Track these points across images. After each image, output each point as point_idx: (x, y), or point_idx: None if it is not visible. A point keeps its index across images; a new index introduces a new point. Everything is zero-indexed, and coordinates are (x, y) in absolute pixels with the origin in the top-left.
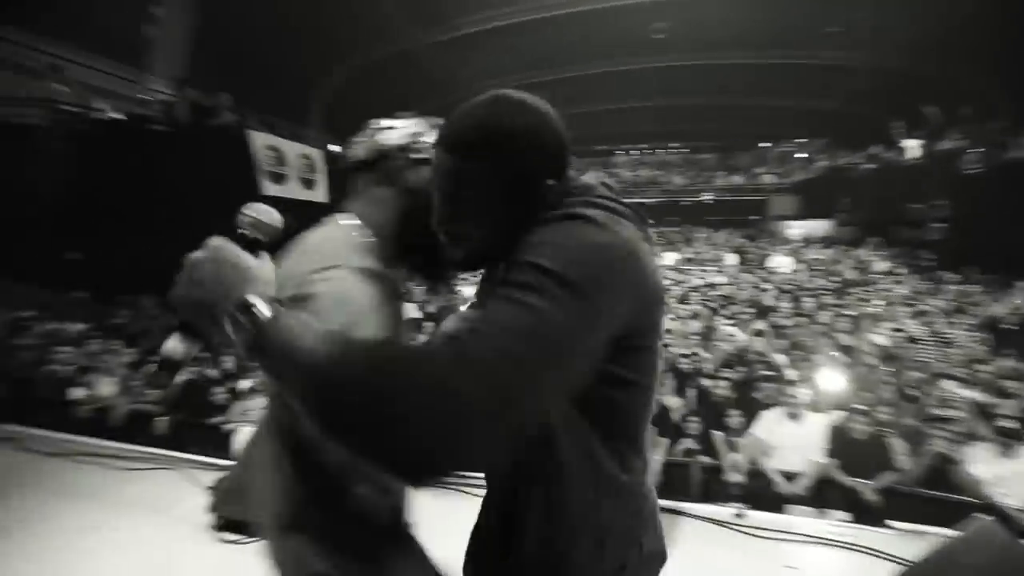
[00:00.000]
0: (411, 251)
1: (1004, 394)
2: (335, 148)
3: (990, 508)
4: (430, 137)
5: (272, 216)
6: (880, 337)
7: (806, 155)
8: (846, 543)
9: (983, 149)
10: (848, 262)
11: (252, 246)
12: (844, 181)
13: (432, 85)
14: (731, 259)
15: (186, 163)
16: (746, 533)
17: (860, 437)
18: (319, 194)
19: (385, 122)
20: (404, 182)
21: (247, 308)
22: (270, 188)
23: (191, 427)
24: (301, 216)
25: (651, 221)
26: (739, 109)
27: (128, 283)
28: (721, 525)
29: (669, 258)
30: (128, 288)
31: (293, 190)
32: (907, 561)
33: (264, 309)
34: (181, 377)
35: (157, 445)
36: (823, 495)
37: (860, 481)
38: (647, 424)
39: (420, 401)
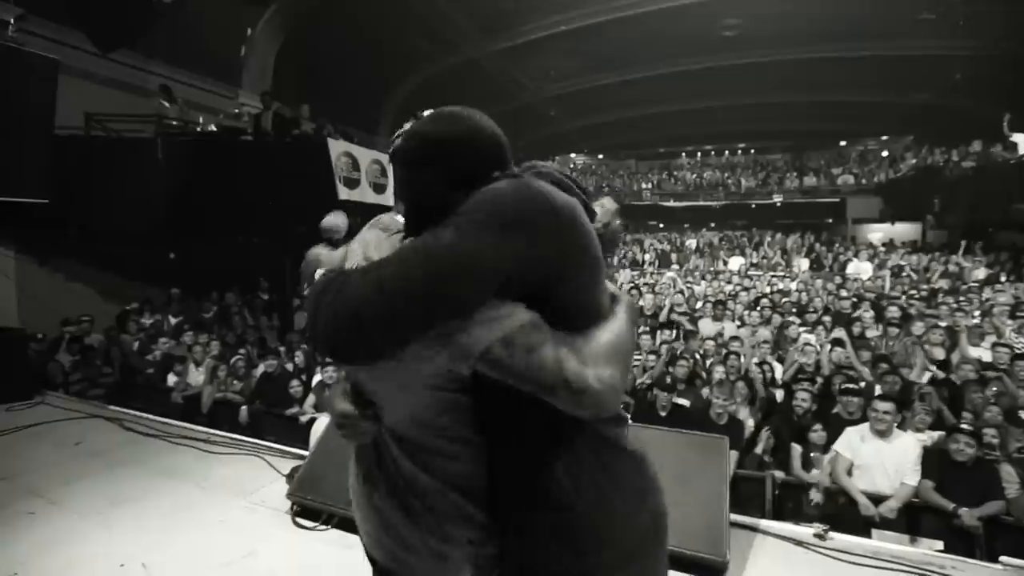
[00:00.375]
0: None
1: None
2: None
3: None
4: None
5: (337, 223)
6: (980, 351)
7: (887, 153)
8: (944, 574)
9: None
10: (938, 268)
11: (332, 243)
12: (935, 180)
13: (497, 91)
14: (803, 264)
15: (272, 170)
16: (829, 556)
17: (962, 460)
18: (389, 197)
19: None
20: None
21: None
22: (344, 192)
23: (269, 416)
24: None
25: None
26: (814, 106)
27: (216, 281)
28: (800, 545)
29: (735, 263)
30: (216, 285)
31: (366, 194)
32: None
33: (325, 274)
34: (259, 369)
35: (240, 431)
36: (916, 521)
37: (961, 509)
38: None
39: (332, 303)
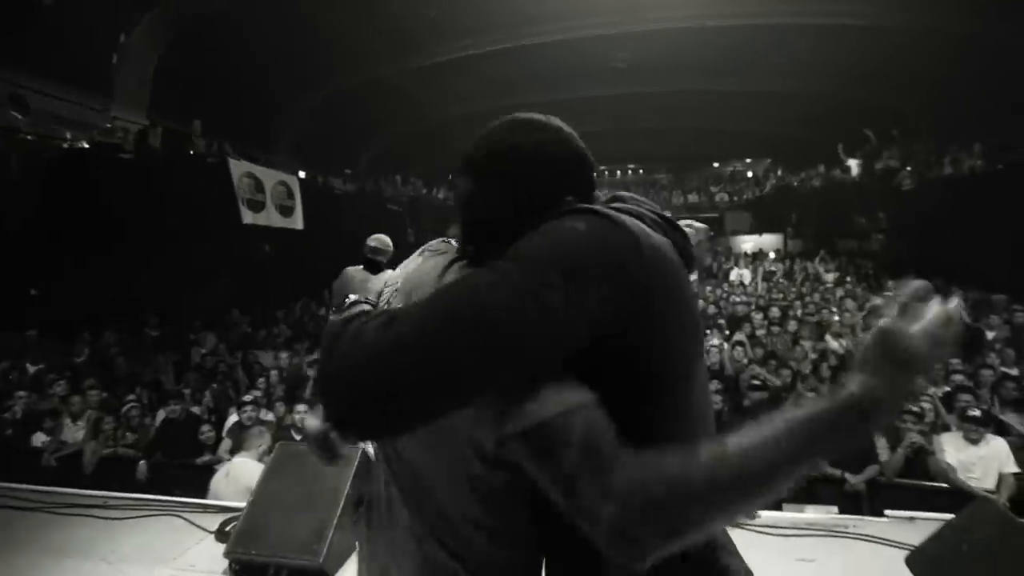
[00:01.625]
0: None
1: (963, 388)
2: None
3: (962, 492)
4: None
5: (384, 243)
6: (841, 342)
7: (752, 174)
8: (850, 533)
9: (911, 168)
10: (800, 273)
11: (374, 266)
12: (792, 197)
13: (403, 111)
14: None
15: (161, 192)
16: (760, 532)
17: None
18: (296, 221)
19: None
20: None
21: (348, 303)
22: (249, 216)
23: (175, 469)
24: (279, 243)
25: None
26: (692, 132)
27: (88, 318)
28: (736, 527)
29: None
30: (88, 323)
31: (272, 217)
32: (909, 545)
33: (355, 302)
34: (159, 416)
35: (140, 490)
36: (813, 491)
37: (848, 475)
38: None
39: (345, 356)
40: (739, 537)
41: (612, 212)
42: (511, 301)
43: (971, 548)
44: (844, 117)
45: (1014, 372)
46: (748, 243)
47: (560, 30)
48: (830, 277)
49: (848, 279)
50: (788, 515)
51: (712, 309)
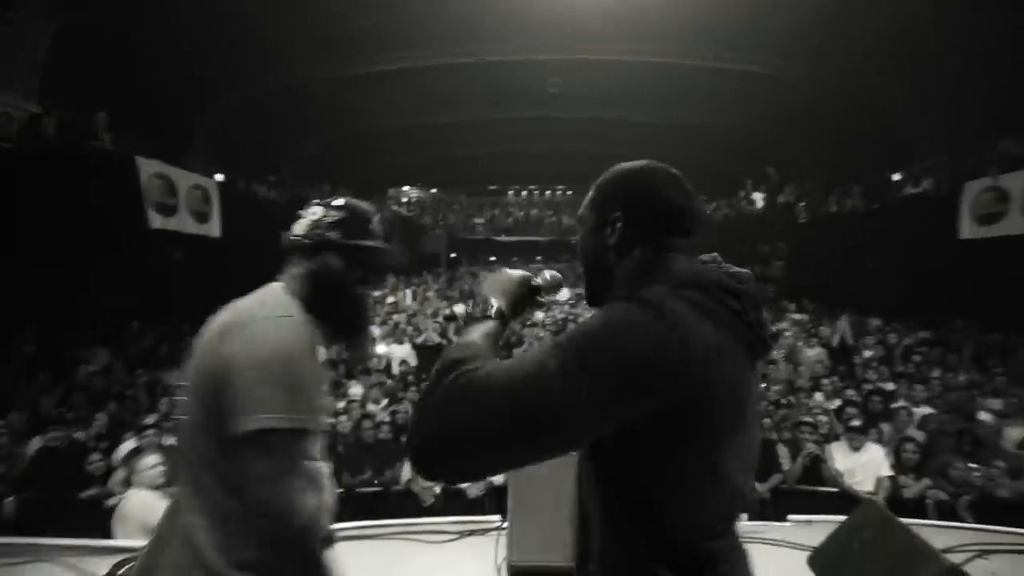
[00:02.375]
0: (327, 319)
1: (850, 402)
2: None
3: (849, 496)
4: (337, 222)
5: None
6: None
7: None
8: (758, 538)
9: (805, 204)
10: None
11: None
12: (708, 223)
13: (335, 118)
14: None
15: (54, 189)
16: None
17: None
18: (213, 228)
19: (312, 207)
20: (311, 264)
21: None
22: (158, 220)
23: (51, 505)
24: (192, 251)
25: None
26: (618, 158)
27: None
28: None
29: (563, 294)
30: None
31: (184, 223)
32: (810, 547)
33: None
34: (33, 445)
35: (9, 532)
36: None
37: (755, 484)
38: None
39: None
40: None
41: (665, 307)
42: (560, 400)
43: (862, 546)
44: (749, 154)
45: (889, 387)
46: None
47: (498, 51)
48: None
49: None
50: None
51: None
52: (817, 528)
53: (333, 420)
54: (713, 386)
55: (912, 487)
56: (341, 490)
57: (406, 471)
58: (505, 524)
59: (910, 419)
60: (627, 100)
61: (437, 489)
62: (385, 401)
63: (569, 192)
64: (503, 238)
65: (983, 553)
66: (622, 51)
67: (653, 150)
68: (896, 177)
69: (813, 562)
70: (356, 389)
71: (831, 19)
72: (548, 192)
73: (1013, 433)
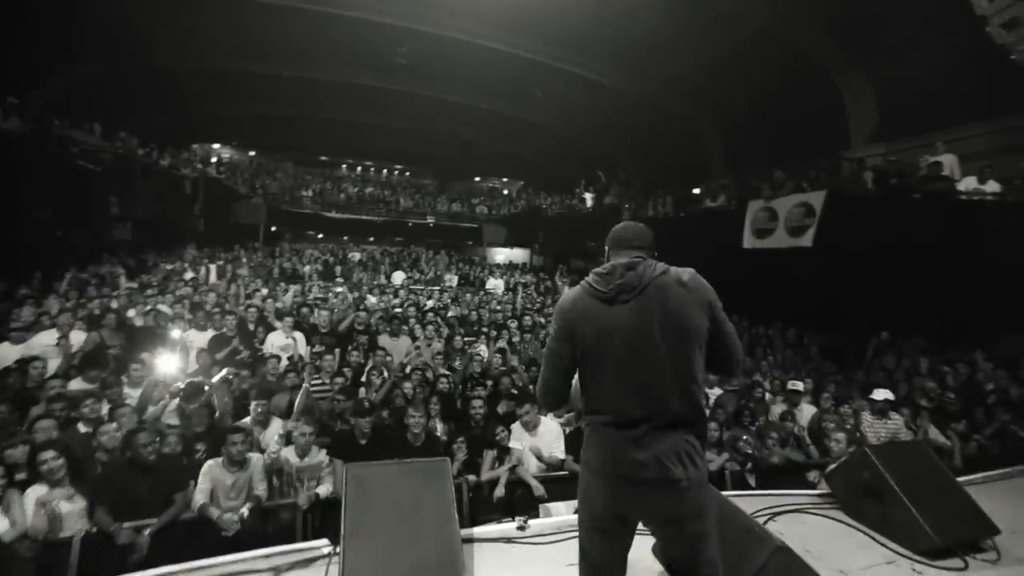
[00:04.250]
0: None
1: None
2: None
3: None
4: None
5: None
6: None
7: (506, 192)
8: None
9: (628, 206)
10: (543, 285)
11: None
12: (539, 218)
13: (122, 44)
14: (453, 280)
15: None
16: (531, 543)
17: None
18: None
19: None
20: None
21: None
22: None
23: None
24: None
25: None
26: (458, 144)
27: None
28: (510, 542)
29: (397, 277)
30: None
31: None
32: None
33: None
34: None
35: None
36: (567, 488)
37: None
38: (598, 388)
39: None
40: (518, 552)
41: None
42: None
43: None
44: (582, 156)
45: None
46: (500, 255)
47: (341, 3)
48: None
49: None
50: (555, 519)
51: (474, 316)
52: None
53: (88, 430)
54: (572, 320)
55: (716, 461)
56: (95, 529)
57: (202, 490)
58: (337, 550)
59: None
60: (474, 84)
61: (244, 510)
62: (174, 403)
63: (407, 173)
64: (334, 215)
65: (774, 516)
66: (474, 33)
67: (495, 141)
68: (697, 191)
69: (656, 549)
70: (131, 390)
71: (666, 43)
72: (385, 171)
73: (775, 409)
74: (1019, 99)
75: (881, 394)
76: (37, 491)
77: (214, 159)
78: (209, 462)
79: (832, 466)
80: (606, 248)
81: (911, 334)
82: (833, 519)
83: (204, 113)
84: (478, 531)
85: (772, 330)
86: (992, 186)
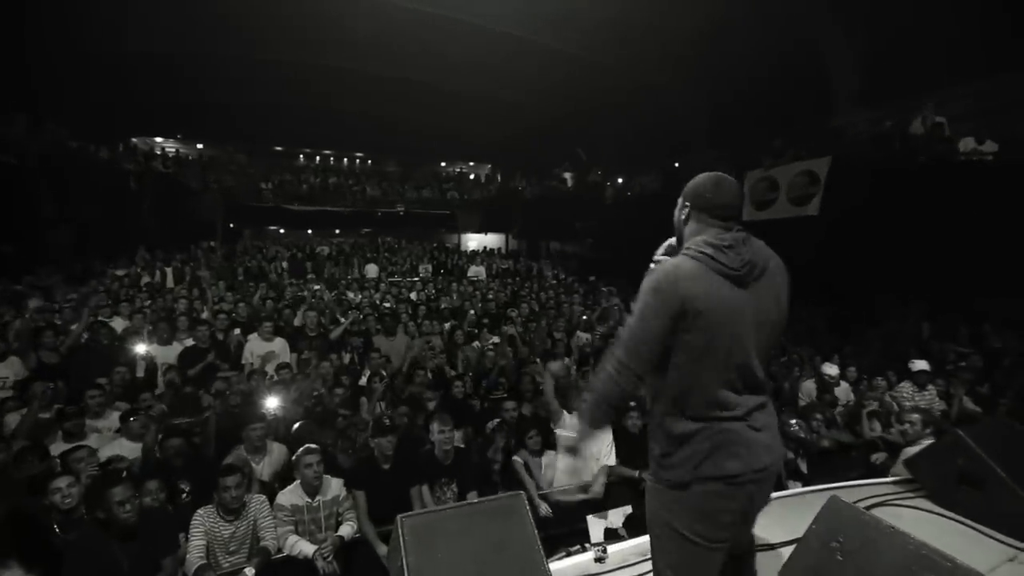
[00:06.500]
0: None
1: None
2: None
3: None
4: None
5: None
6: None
7: (474, 176)
8: None
9: (610, 184)
10: (524, 270)
11: None
12: (514, 202)
13: (33, 20)
14: (428, 269)
15: None
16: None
17: (634, 431)
18: None
19: None
20: None
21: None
22: None
23: None
24: None
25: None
26: (420, 128)
27: None
28: None
29: (371, 270)
30: None
31: None
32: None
33: None
34: None
35: None
36: (609, 494)
37: (643, 473)
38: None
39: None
40: None
41: (673, 260)
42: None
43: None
44: (561, 135)
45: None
46: (473, 241)
47: None
48: (549, 274)
49: (563, 277)
50: (631, 543)
51: (467, 306)
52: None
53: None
54: (693, 299)
55: None
56: None
57: (195, 547)
58: None
59: None
60: (439, 62)
61: (249, 571)
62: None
63: (369, 162)
64: (296, 207)
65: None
66: (440, 4)
67: (468, 124)
68: (676, 165)
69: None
70: (92, 422)
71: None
72: (346, 159)
73: (806, 386)
74: (1010, 54)
75: (920, 364)
76: None
77: (158, 152)
78: (200, 511)
79: (913, 450)
80: (684, 210)
81: (911, 298)
82: (927, 511)
83: (141, 101)
84: (554, 568)
85: None
86: (990, 146)
